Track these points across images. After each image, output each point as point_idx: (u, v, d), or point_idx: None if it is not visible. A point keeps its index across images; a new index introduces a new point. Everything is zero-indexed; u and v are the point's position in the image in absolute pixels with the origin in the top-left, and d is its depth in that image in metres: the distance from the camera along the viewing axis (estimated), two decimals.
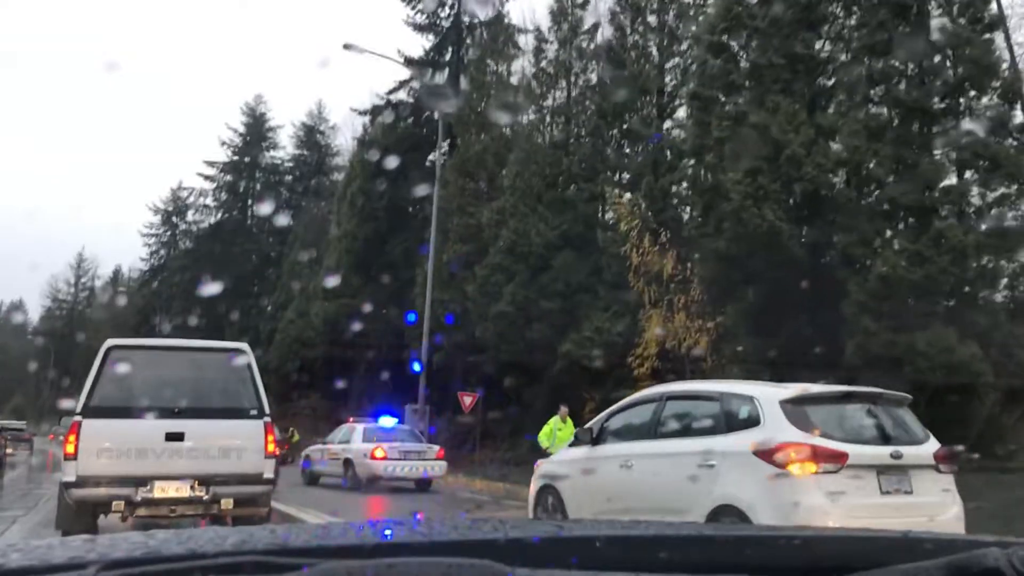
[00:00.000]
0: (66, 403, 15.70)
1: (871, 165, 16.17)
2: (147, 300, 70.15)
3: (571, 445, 9.71)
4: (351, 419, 24.50)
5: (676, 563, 1.22)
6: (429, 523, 1.32)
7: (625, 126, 27.79)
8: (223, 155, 65.11)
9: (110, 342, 9.69)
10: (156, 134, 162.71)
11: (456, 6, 40.91)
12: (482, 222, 31.04)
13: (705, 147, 17.90)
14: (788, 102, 16.99)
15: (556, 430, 16.74)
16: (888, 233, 16.07)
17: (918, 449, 7.39)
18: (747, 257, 17.25)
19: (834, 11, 18.37)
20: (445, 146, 33.29)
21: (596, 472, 8.78)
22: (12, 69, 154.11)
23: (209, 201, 65.66)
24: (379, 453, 19.06)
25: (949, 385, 14.36)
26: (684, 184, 25.93)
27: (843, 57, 17.58)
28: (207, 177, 65.20)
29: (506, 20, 37.45)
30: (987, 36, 16.48)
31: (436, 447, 20.40)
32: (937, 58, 16.48)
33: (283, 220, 63.46)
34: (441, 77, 41.23)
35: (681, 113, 27.29)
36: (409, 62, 40.27)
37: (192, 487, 9.06)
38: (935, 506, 7.19)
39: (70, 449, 8.88)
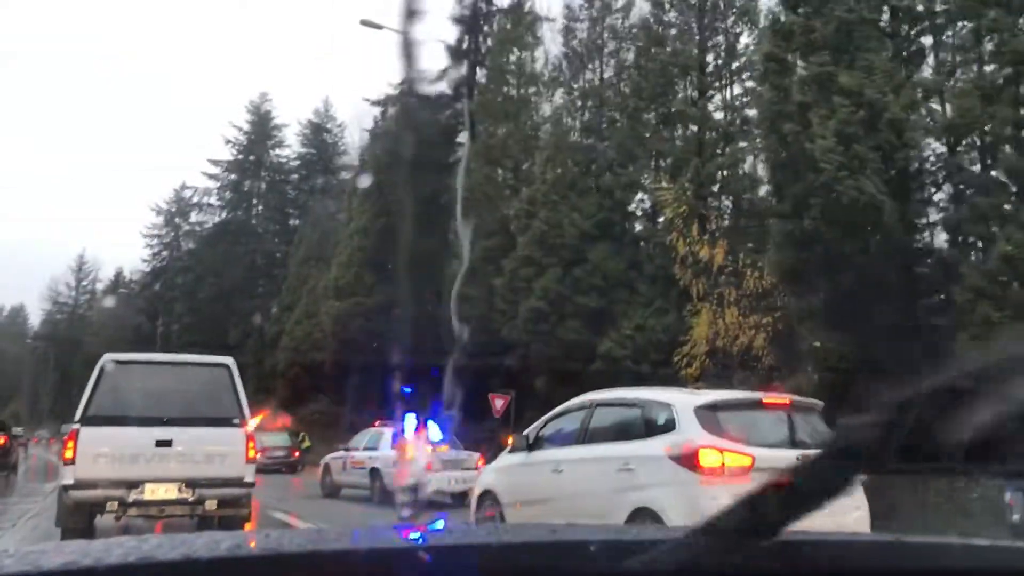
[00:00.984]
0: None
1: (986, 129, 13.88)
2: (149, 302, 67.71)
3: (509, 452, 9.86)
4: (378, 422, 22.08)
5: (663, 567, 1.18)
6: (426, 527, 1.29)
7: (662, 109, 25.41)
8: (228, 153, 62.91)
9: (106, 357, 10.44)
10: (159, 134, 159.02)
11: None
12: (509, 213, 28.67)
13: (782, 115, 15.51)
14: (884, 60, 14.66)
15: None
16: (1007, 206, 13.68)
17: None
18: (835, 238, 14.84)
19: None
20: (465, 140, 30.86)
21: (530, 478, 8.98)
22: (10, 68, 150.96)
23: (213, 200, 63.34)
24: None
25: None
26: (737, 167, 23.57)
27: (947, 7, 15.20)
28: (211, 176, 62.98)
29: (528, 6, 35.06)
30: None
31: (476, 455, 17.96)
32: None
33: (289, 220, 61.25)
34: (460, 67, 38.89)
35: (728, 93, 24.94)
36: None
37: (180, 489, 9.80)
38: (839, 508, 5.72)
39: (69, 454, 9.66)
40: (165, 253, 70.39)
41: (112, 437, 9.74)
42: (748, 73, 24.43)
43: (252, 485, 10.31)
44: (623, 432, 8.29)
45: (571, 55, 27.80)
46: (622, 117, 25.90)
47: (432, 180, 39.05)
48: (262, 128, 62.80)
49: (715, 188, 23.45)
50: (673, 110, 24.83)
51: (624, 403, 8.68)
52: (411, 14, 2.06)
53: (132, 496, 9.63)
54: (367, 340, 38.15)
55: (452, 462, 16.93)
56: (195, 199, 64.72)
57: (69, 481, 9.59)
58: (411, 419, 16.81)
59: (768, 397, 8.20)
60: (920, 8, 15.74)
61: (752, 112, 23.86)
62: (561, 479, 8.50)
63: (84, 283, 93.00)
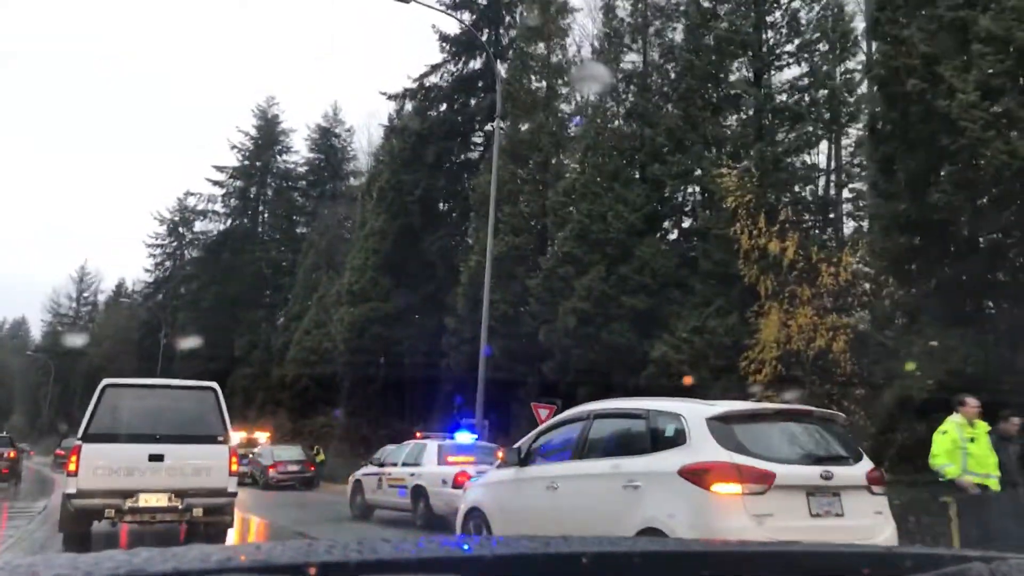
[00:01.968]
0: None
1: None
2: (152, 313, 64.99)
3: (499, 467, 9.37)
4: (419, 434, 19.38)
5: None
6: (415, 541, 1.25)
7: (715, 93, 22.83)
8: (233, 159, 60.39)
9: (105, 381, 11.45)
10: (161, 139, 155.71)
11: None
12: (533, 210, 26.09)
13: (900, 71, 12.92)
14: None
15: (965, 441, 9.31)
16: None
17: (850, 469, 7.00)
18: (969, 215, 12.24)
19: None
20: (488, 133, 28.23)
21: (522, 494, 8.37)
22: (10, 69, 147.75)
23: (218, 207, 60.76)
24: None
25: None
26: (804, 151, 21.00)
27: None
28: (216, 183, 60.38)
29: None
30: None
31: None
32: None
33: (296, 227, 58.69)
34: (478, 60, 36.36)
35: (789, 72, 22.35)
36: (444, 39, 35.41)
37: (170, 498, 10.68)
38: (867, 529, 6.76)
39: (72, 468, 10.63)
40: (168, 263, 67.90)
41: (110, 452, 10.72)
42: (809, 51, 21.90)
43: (235, 495, 11.29)
44: (626, 446, 7.58)
45: (612, 36, 25.21)
46: (672, 98, 23.27)
47: (446, 181, 36.63)
48: (269, 133, 60.35)
49: (781, 176, 20.81)
50: (730, 92, 22.25)
51: (627, 414, 7.92)
52: None
53: (127, 504, 10.59)
54: (383, 348, 35.57)
55: None
56: (199, 206, 61.99)
57: (72, 491, 10.55)
58: (462, 433, 13.87)
59: (785, 408, 7.74)
60: None
61: (821, 92, 21.34)
62: (557, 496, 7.83)
63: (86, 294, 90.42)
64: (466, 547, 1.27)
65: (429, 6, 23.22)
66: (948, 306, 14.04)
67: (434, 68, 36.49)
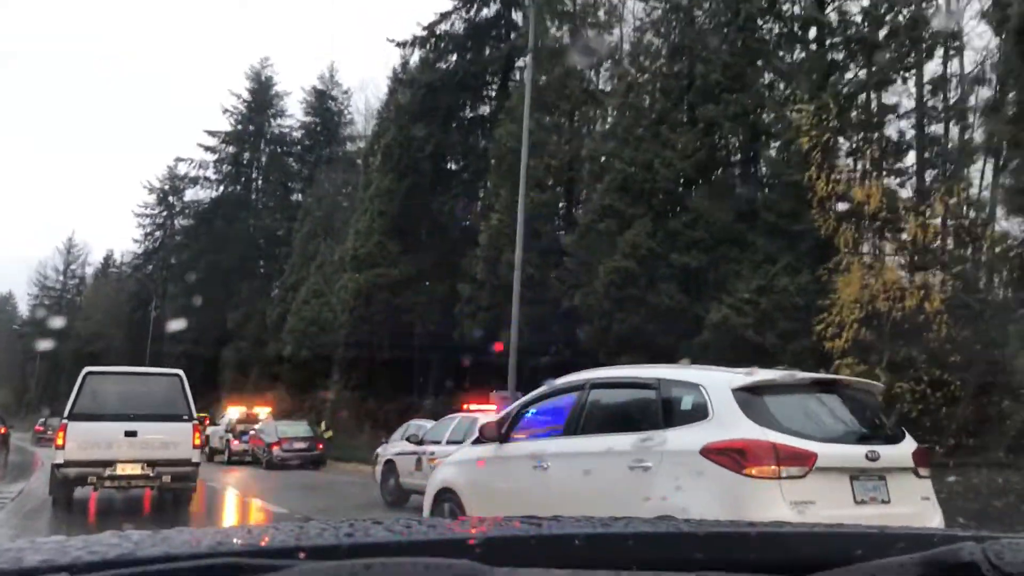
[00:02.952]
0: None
1: None
2: (141, 285, 61.96)
3: (475, 443, 7.97)
4: (466, 406, 16.64)
5: (653, 560, 1.18)
6: (408, 523, 1.25)
7: (777, 23, 20.04)
8: (226, 124, 57.25)
9: (87, 369, 13.49)
10: (150, 105, 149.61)
11: None
12: (573, 159, 23.29)
13: None
14: None
15: None
16: None
17: (895, 449, 6.03)
18: None
19: None
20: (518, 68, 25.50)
21: (503, 474, 7.27)
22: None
23: (210, 174, 57.57)
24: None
25: None
26: (887, 87, 18.26)
27: None
28: (208, 148, 57.21)
29: None
30: None
31: None
32: None
33: (292, 194, 55.68)
34: (491, 7, 33.39)
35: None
36: None
37: (142, 467, 12.67)
38: (915, 517, 5.80)
39: (60, 442, 12.65)
40: (158, 233, 64.82)
41: (91, 429, 12.51)
42: None
43: (198, 464, 13.20)
44: (633, 420, 6.50)
45: None
46: (726, 32, 20.39)
47: (459, 137, 33.76)
48: (262, 96, 57.21)
49: (861, 115, 18.07)
50: (793, 24, 19.45)
51: (634, 383, 6.89)
52: None
53: (107, 472, 12.46)
54: (391, 317, 32.79)
55: None
56: (191, 173, 58.75)
57: (60, 461, 12.42)
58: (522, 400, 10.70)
59: (821, 377, 6.75)
60: None
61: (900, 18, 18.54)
62: (546, 477, 6.80)
63: (73, 267, 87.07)
64: (460, 529, 1.26)
65: None
66: None
67: (444, 16, 33.47)
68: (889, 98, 19.36)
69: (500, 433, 7.48)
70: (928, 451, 6.63)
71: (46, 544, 1.07)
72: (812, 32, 19.87)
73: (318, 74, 64.09)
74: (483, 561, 1.05)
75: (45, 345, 64.62)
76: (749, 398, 5.86)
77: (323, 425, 30.70)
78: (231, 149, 56.98)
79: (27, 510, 13.40)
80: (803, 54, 19.70)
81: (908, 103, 19.09)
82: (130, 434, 12.61)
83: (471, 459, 7.93)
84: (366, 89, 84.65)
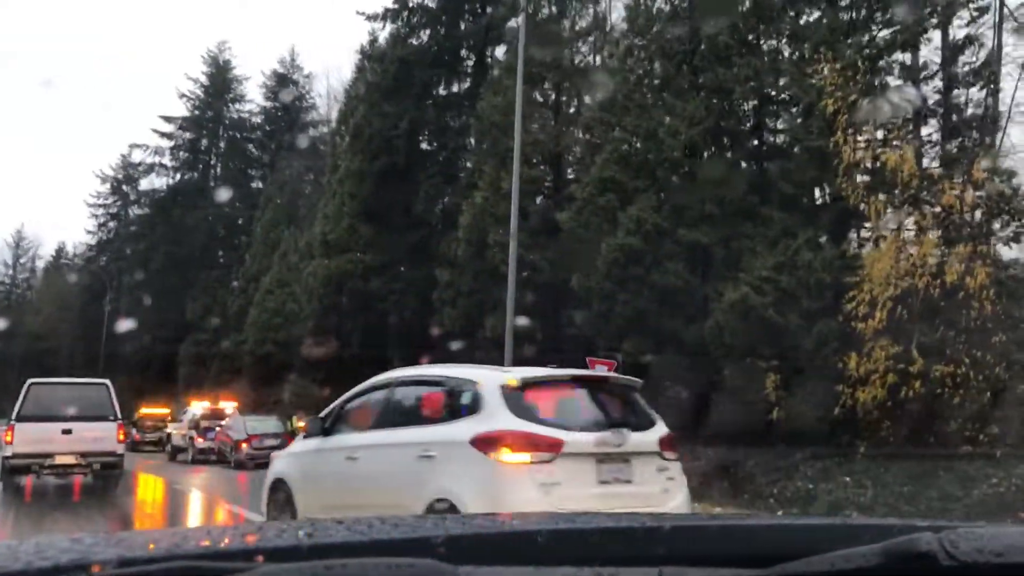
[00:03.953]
0: None
1: None
2: (95, 277, 58.96)
3: (304, 436, 8.84)
4: None
5: (616, 556, 1.18)
6: (371, 522, 1.24)
7: None
8: (183, 109, 54.57)
9: (30, 381, 16.25)
10: (102, 94, 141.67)
11: None
12: (569, 129, 21.47)
13: None
14: None
15: None
16: None
17: (642, 435, 6.82)
18: None
19: None
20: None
21: (324, 465, 7.97)
22: None
23: (166, 161, 54.81)
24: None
25: None
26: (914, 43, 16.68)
27: None
28: (164, 134, 54.53)
29: None
30: None
31: None
32: None
33: (252, 182, 53.19)
34: None
35: None
36: None
37: (76, 458, 15.26)
38: (657, 495, 6.65)
39: (8, 439, 15.18)
40: (112, 223, 61.77)
41: (35, 428, 15.09)
42: None
43: (123, 455, 15.94)
44: (426, 415, 7.25)
45: None
46: None
47: (439, 112, 31.74)
48: (220, 80, 54.59)
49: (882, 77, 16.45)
50: None
51: (427, 381, 7.68)
52: None
53: (47, 463, 15.24)
54: (363, 305, 30.76)
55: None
56: (146, 160, 55.92)
57: (8, 455, 15.19)
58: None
59: (582, 374, 7.85)
60: None
61: None
62: (356, 467, 7.40)
63: (23, 260, 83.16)
64: (423, 528, 1.25)
65: None
66: None
67: None
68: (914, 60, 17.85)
69: (324, 428, 8.13)
70: (674, 437, 7.17)
71: None
72: None
73: (278, 58, 61.22)
74: (446, 560, 1.04)
75: None
76: (514, 394, 6.57)
77: (291, 419, 28.60)
78: (188, 135, 54.34)
79: None
80: (817, 14, 18.02)
81: (934, 65, 17.58)
82: (66, 432, 15.19)
83: (300, 452, 8.58)
84: (329, 74, 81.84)
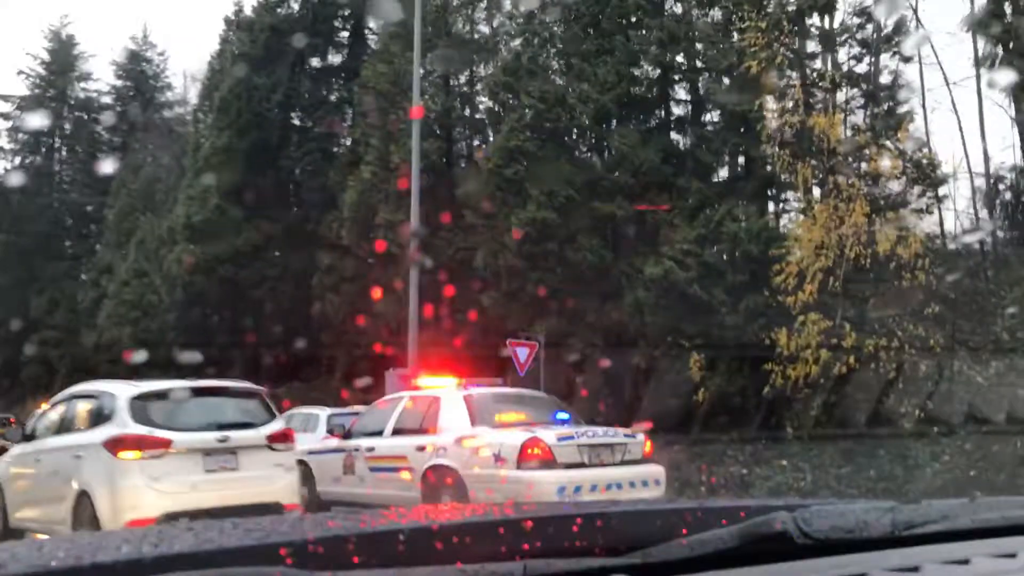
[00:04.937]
0: None
1: None
2: None
3: (18, 441, 10.08)
4: (400, 373, 12.80)
5: (482, 551, 1.12)
6: (222, 527, 1.15)
7: None
8: (22, 87, 49.64)
9: None
10: None
11: None
12: (456, 103, 19.77)
13: None
14: None
15: None
16: None
17: (250, 432, 8.26)
18: None
19: None
20: None
21: (21, 466, 9.39)
22: None
23: (3, 143, 49.77)
24: (537, 450, 7.72)
25: None
26: None
27: None
28: (1, 115, 49.43)
29: None
30: None
31: (640, 435, 9.14)
32: None
33: (104, 166, 48.84)
34: None
35: None
36: None
37: None
38: (261, 479, 8.06)
39: None
40: None
41: None
42: None
43: None
44: (80, 423, 8.70)
45: None
46: None
47: (309, 88, 29.41)
48: (64, 57, 49.82)
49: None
50: None
51: (89, 395, 8.96)
52: None
53: None
54: (234, 293, 28.16)
55: (604, 447, 8.09)
56: None
57: None
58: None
59: (203, 385, 8.78)
60: None
61: None
62: (39, 466, 8.89)
63: None
64: (277, 533, 1.18)
65: None
66: None
67: None
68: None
69: (24, 435, 9.73)
70: (286, 433, 8.75)
71: None
72: None
73: (130, 34, 56.82)
74: (300, 567, 0.99)
75: None
76: (139, 403, 8.00)
77: None
78: (28, 115, 49.44)
79: None
80: None
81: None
82: None
83: (12, 454, 9.89)
84: (184, 51, 77.16)
